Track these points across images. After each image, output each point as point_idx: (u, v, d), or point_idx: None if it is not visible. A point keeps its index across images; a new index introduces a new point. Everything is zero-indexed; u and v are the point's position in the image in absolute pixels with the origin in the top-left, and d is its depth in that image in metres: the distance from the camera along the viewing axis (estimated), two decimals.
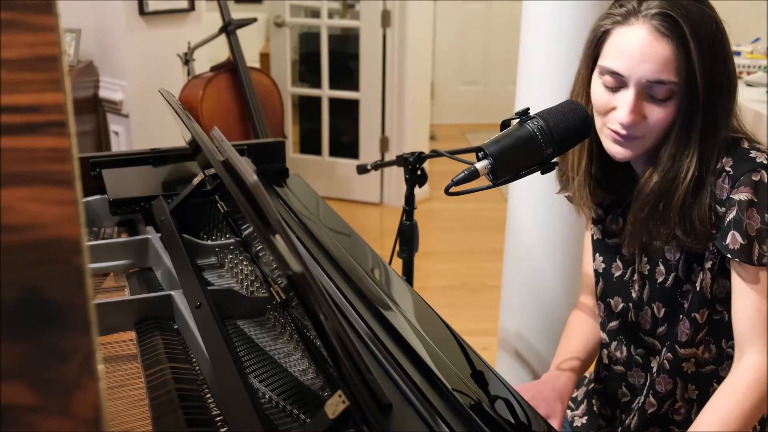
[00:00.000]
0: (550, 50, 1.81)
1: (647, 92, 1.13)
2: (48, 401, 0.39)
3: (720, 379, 1.24)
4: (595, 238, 1.38)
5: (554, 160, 1.14)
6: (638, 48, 1.11)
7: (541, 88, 1.84)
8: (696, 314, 1.22)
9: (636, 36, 1.11)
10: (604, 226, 1.36)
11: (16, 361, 0.39)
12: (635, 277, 1.31)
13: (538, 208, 1.92)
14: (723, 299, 1.21)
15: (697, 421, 1.16)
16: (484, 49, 6.07)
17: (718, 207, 1.14)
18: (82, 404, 0.40)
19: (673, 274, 1.24)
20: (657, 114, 1.13)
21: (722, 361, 1.26)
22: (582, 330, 1.46)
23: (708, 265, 1.19)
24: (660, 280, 1.26)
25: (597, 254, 1.38)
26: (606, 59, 1.15)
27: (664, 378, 1.28)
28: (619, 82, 1.14)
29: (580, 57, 1.24)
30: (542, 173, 1.15)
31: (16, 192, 0.39)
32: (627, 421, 1.35)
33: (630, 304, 1.32)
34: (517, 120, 1.14)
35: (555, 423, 1.28)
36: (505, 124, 1.16)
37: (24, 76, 0.39)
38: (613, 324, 1.37)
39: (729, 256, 1.13)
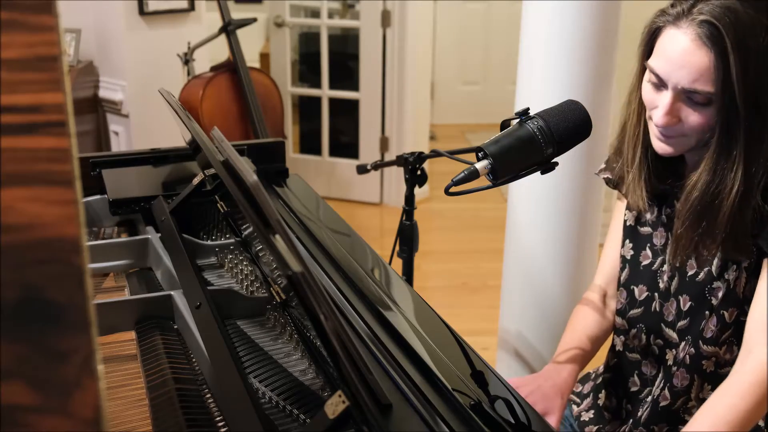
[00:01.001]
0: (550, 50, 1.81)
1: (686, 96, 1.13)
2: (48, 401, 0.39)
3: None
4: (627, 224, 1.38)
5: (555, 159, 1.14)
6: (678, 53, 1.11)
7: (541, 88, 1.84)
8: (725, 312, 1.22)
9: (679, 41, 1.11)
10: (639, 214, 1.36)
11: (16, 360, 0.39)
12: (665, 267, 1.30)
13: (538, 208, 1.92)
14: (751, 299, 1.20)
15: (693, 420, 1.16)
16: (484, 49, 6.06)
17: (766, 206, 1.13)
18: (82, 404, 0.40)
19: (706, 269, 1.23)
20: (694, 118, 1.13)
21: None
22: (587, 324, 1.45)
23: (746, 264, 1.19)
24: (691, 273, 1.26)
25: (627, 240, 1.38)
26: (652, 58, 1.17)
27: (682, 372, 1.27)
28: (660, 82, 1.15)
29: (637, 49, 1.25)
30: (542, 173, 1.15)
31: (16, 192, 0.39)
32: (639, 413, 1.34)
33: (656, 294, 1.32)
34: (517, 120, 1.14)
35: (552, 420, 1.27)
36: (505, 124, 1.16)
37: (24, 76, 0.39)
38: (635, 311, 1.36)
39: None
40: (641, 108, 1.24)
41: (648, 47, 1.19)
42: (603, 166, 1.44)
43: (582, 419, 1.49)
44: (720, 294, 1.22)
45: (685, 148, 1.19)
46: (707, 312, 1.24)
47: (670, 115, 1.14)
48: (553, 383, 1.32)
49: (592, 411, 1.48)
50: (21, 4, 0.38)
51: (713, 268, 1.22)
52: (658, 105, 1.16)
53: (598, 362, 1.51)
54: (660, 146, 1.20)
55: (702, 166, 1.16)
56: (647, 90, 1.19)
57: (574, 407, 1.52)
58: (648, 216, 1.34)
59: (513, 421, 0.97)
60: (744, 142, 1.11)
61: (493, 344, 2.25)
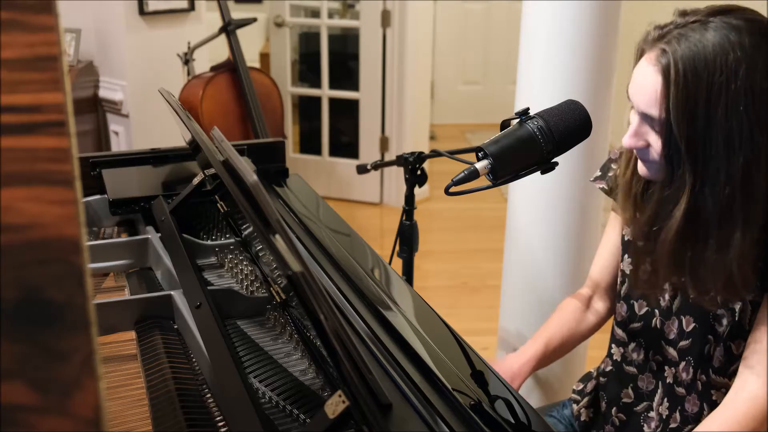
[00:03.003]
0: (550, 50, 1.81)
1: (647, 121, 1.12)
2: (48, 401, 0.39)
3: None
4: (626, 239, 1.36)
5: (555, 159, 1.14)
6: (639, 78, 1.11)
7: (541, 88, 1.84)
8: (732, 344, 1.21)
9: (642, 65, 1.11)
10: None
11: (16, 360, 0.39)
12: (666, 285, 1.27)
13: (538, 208, 1.92)
14: None
15: None
16: (484, 49, 6.06)
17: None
18: (82, 404, 0.40)
19: (711, 293, 1.20)
20: (657, 144, 1.11)
21: None
22: (563, 322, 1.46)
23: (750, 297, 1.17)
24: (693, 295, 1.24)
25: (626, 255, 1.36)
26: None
27: (693, 398, 1.26)
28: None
29: None
30: (542, 173, 1.15)
31: (16, 192, 0.39)
32: (647, 430, 1.34)
33: (656, 311, 1.30)
34: (517, 120, 1.14)
35: (516, 384, 1.34)
36: (505, 124, 1.16)
37: (24, 76, 0.39)
38: (635, 326, 1.35)
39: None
40: None
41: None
42: (598, 173, 1.43)
43: (582, 419, 1.49)
44: (724, 321, 1.20)
45: (659, 172, 1.14)
46: (710, 337, 1.22)
47: (635, 137, 1.13)
48: (507, 368, 1.36)
49: (592, 410, 1.48)
50: (21, 4, 0.38)
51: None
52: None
53: (598, 361, 1.51)
54: (640, 167, 1.19)
55: (654, 195, 1.15)
56: (631, 113, 1.18)
57: (574, 406, 1.52)
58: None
59: (513, 421, 0.97)
60: (689, 178, 1.06)
61: (493, 344, 2.25)
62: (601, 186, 1.42)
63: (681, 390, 1.28)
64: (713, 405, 1.24)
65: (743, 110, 1.02)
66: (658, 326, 1.30)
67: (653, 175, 1.16)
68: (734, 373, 1.21)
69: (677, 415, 1.29)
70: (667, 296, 1.28)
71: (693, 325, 1.24)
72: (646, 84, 1.09)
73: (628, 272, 1.35)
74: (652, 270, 1.18)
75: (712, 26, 1.04)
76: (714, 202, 1.06)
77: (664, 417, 1.31)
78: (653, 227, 1.15)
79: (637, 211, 1.23)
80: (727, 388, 1.22)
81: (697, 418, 1.26)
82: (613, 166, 1.39)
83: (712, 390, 1.24)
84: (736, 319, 1.19)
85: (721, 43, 1.02)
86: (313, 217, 1.55)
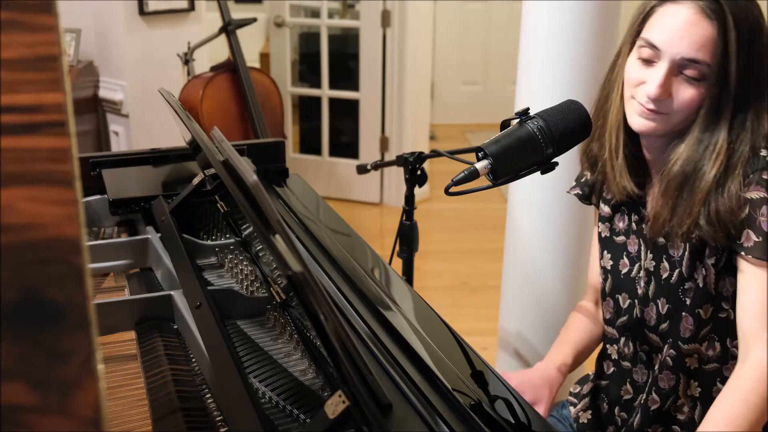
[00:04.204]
0: (550, 50, 1.81)
1: (679, 70, 1.15)
2: (47, 401, 0.39)
3: (724, 379, 1.24)
4: (603, 236, 1.39)
5: (555, 159, 1.14)
6: (680, 24, 1.14)
7: (541, 88, 1.84)
8: (700, 310, 1.23)
9: (680, 13, 1.14)
10: (611, 224, 1.38)
11: (15, 361, 0.39)
12: (641, 273, 1.31)
13: (538, 208, 1.92)
14: (729, 297, 1.21)
15: (704, 423, 1.15)
16: (484, 49, 6.06)
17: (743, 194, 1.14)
18: (82, 404, 0.40)
19: (677, 270, 1.24)
20: (684, 93, 1.15)
21: (726, 361, 1.25)
22: (582, 326, 1.47)
23: (711, 261, 1.19)
24: (665, 276, 1.27)
25: (605, 251, 1.39)
26: (648, 32, 1.18)
27: (666, 374, 1.28)
28: (654, 56, 1.16)
29: (625, 34, 1.26)
30: (542, 173, 1.15)
31: (16, 192, 0.39)
32: (630, 419, 1.35)
33: (636, 300, 1.33)
34: (517, 120, 1.14)
35: (541, 409, 1.29)
36: (505, 124, 1.16)
37: (24, 76, 0.39)
38: (622, 320, 1.37)
39: (742, 253, 1.14)
40: (623, 91, 1.24)
41: (638, 28, 1.21)
42: (573, 183, 1.47)
43: (581, 421, 1.49)
44: (691, 293, 1.23)
45: (666, 126, 1.18)
46: (684, 313, 1.24)
47: (663, 87, 1.15)
48: (541, 375, 1.35)
49: (589, 412, 1.48)
50: (21, 4, 0.38)
51: (683, 269, 1.23)
52: (648, 80, 1.17)
53: (593, 364, 1.51)
54: (640, 122, 1.20)
55: (685, 140, 1.17)
56: (634, 68, 1.20)
57: (572, 408, 1.52)
58: (620, 225, 1.35)
59: (513, 421, 0.97)
60: (730, 122, 1.13)
61: (493, 344, 2.25)
62: (576, 192, 1.45)
63: (658, 372, 1.29)
64: (688, 372, 1.26)
65: (765, 56, 1.15)
66: (639, 315, 1.32)
67: (657, 128, 1.19)
68: (705, 338, 1.24)
69: (654, 395, 1.30)
70: (642, 283, 1.30)
71: (667, 306, 1.26)
72: (692, 30, 1.13)
73: (609, 268, 1.37)
74: (681, 213, 1.18)
75: None
76: (743, 143, 1.14)
77: (642, 402, 1.31)
78: (688, 175, 1.16)
79: (636, 170, 1.27)
80: (699, 353, 1.25)
81: (674, 390, 1.27)
82: (585, 173, 1.42)
83: (685, 359, 1.26)
84: (700, 285, 1.21)
85: (744, 4, 1.14)
86: (313, 217, 1.55)
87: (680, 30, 1.13)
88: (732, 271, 1.19)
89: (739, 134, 1.14)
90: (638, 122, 1.20)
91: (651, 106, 1.17)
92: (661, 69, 1.15)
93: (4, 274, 0.38)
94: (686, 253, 1.22)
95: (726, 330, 1.23)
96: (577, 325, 1.48)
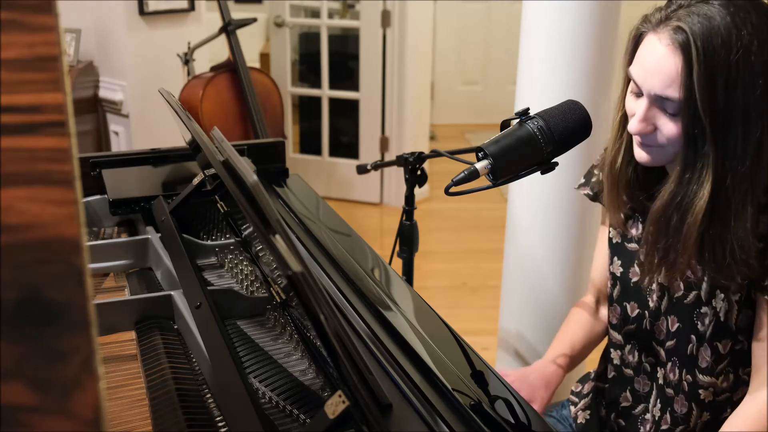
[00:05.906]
0: (550, 50, 1.81)
1: (658, 105, 1.11)
2: (47, 401, 0.39)
3: (734, 405, 1.23)
4: (614, 241, 1.36)
5: (555, 159, 1.14)
6: (652, 60, 1.09)
7: (541, 88, 1.84)
8: (719, 344, 1.20)
9: (654, 47, 1.10)
10: (624, 230, 1.34)
11: (15, 361, 0.39)
12: (654, 286, 1.27)
13: (538, 208, 1.92)
14: (745, 329, 1.19)
15: None
16: (484, 49, 6.06)
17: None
18: (82, 404, 0.40)
19: (694, 293, 1.21)
20: (668, 127, 1.11)
21: (737, 388, 1.24)
22: (581, 324, 1.47)
23: (736, 297, 1.16)
24: (679, 294, 1.23)
25: (615, 257, 1.35)
26: (632, 65, 1.15)
27: (681, 399, 1.26)
28: (638, 90, 1.13)
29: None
30: (542, 173, 1.15)
31: (16, 192, 0.39)
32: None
33: (646, 312, 1.30)
34: (517, 120, 1.14)
35: (536, 407, 1.30)
36: (505, 124, 1.16)
37: (24, 76, 0.39)
38: (630, 327, 1.35)
39: (766, 297, 1.12)
40: (626, 119, 1.21)
41: (631, 55, 1.17)
42: (582, 180, 1.44)
43: (579, 421, 1.49)
44: (707, 320, 1.20)
45: (663, 158, 1.16)
46: (693, 336, 1.23)
47: (644, 122, 1.12)
48: (540, 374, 1.35)
49: (589, 412, 1.48)
50: (21, 4, 0.38)
51: (702, 293, 1.20)
52: (635, 112, 1.14)
53: (597, 362, 1.51)
54: (639, 154, 1.18)
55: (671, 177, 1.14)
56: (629, 99, 1.18)
57: (572, 408, 1.52)
58: (633, 232, 1.32)
59: (513, 421, 0.97)
60: (713, 156, 1.07)
61: (493, 344, 2.25)
62: (585, 192, 1.43)
63: (670, 391, 1.28)
64: (701, 404, 1.25)
65: (761, 84, 1.04)
66: (649, 328, 1.30)
67: (654, 160, 1.16)
68: (721, 373, 1.22)
69: (668, 416, 1.29)
70: (655, 297, 1.28)
71: (677, 325, 1.25)
72: (662, 65, 1.08)
73: (618, 275, 1.35)
74: (673, 253, 1.15)
75: (716, 4, 1.05)
76: (733, 178, 1.07)
77: (656, 419, 1.31)
78: (673, 211, 1.13)
79: (632, 201, 1.24)
80: (715, 387, 1.23)
81: (687, 419, 1.26)
82: (596, 171, 1.40)
83: (699, 390, 1.24)
84: (721, 319, 1.18)
85: (732, 21, 1.03)
86: (313, 217, 1.55)
87: (652, 65, 1.09)
88: (750, 305, 1.17)
89: (728, 171, 1.07)
90: (637, 154, 1.18)
91: (639, 139, 1.15)
92: (641, 104, 1.13)
93: (4, 274, 0.38)
94: (705, 276, 1.18)
95: (740, 360, 1.22)
96: (577, 321, 1.47)
